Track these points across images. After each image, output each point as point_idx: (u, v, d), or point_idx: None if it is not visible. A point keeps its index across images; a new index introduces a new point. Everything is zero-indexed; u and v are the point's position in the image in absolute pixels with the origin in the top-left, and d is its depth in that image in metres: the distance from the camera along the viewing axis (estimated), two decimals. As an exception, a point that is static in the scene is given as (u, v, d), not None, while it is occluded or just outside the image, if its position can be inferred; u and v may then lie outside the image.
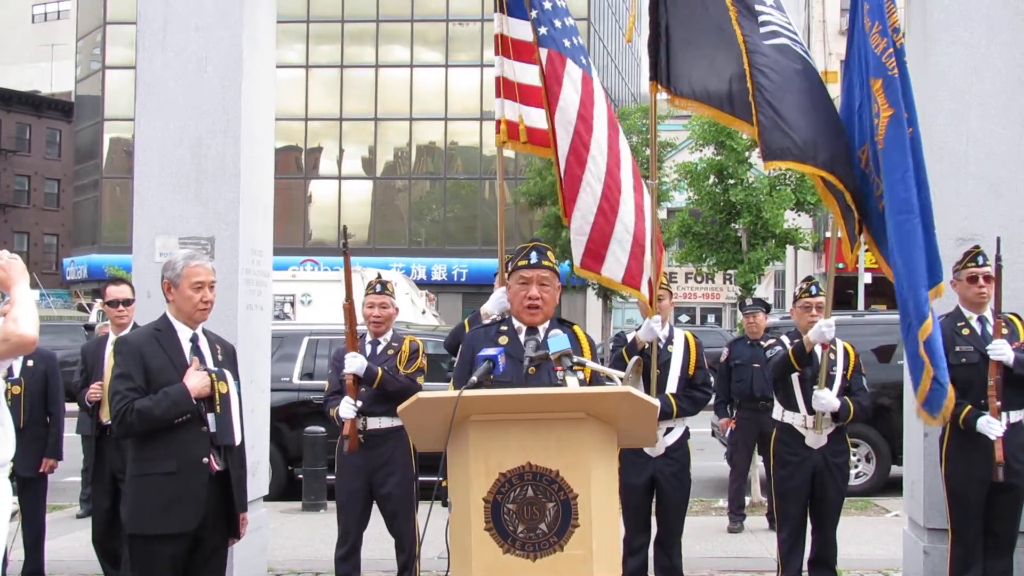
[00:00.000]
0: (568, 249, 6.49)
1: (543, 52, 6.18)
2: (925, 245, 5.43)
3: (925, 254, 5.42)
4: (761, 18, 5.83)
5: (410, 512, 6.17)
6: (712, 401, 9.30)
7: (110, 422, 5.18)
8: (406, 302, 20.02)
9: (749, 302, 10.20)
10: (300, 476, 10.61)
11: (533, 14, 6.23)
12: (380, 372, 5.97)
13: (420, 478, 6.26)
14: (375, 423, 6.06)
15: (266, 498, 7.43)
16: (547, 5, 6.28)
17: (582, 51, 6.35)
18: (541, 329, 4.52)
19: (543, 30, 6.20)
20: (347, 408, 5.92)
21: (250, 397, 6.14)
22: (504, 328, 4.61)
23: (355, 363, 5.92)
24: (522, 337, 4.56)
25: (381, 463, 6.09)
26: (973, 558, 5.80)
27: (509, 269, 4.75)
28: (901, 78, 5.56)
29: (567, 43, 6.25)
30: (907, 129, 5.45)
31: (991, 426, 5.60)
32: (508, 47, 6.63)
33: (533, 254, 4.53)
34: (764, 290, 37.31)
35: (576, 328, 4.70)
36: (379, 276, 6.40)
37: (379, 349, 6.20)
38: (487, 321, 5.75)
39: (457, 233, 46.26)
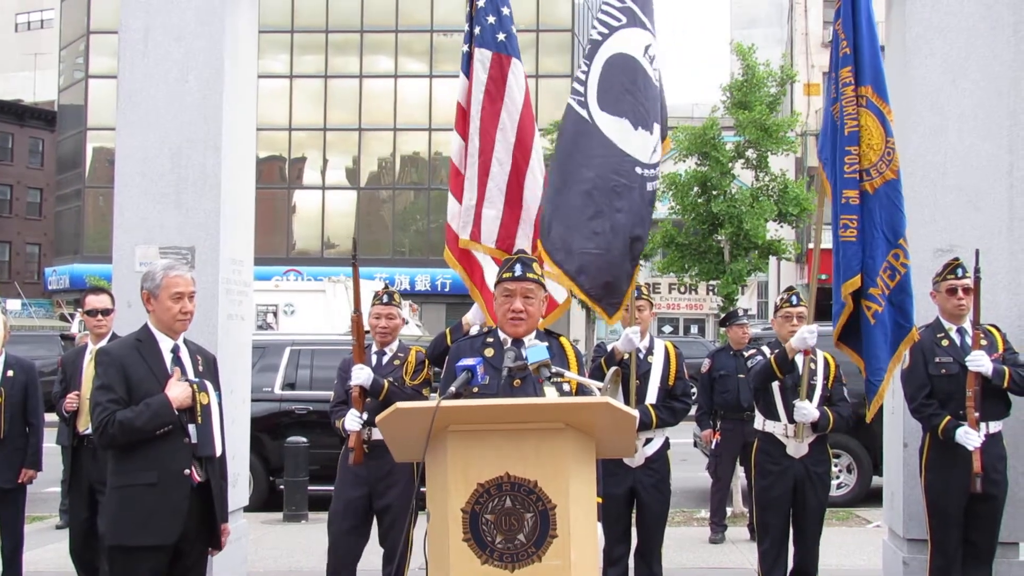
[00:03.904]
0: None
1: (487, 53, 6.31)
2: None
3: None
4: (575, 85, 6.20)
5: (406, 524, 6.13)
6: (694, 412, 9.33)
7: (90, 432, 5.15)
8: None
9: (741, 312, 10.20)
10: (281, 487, 10.59)
11: (491, 20, 6.35)
12: (386, 385, 5.95)
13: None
14: (379, 433, 6.02)
15: (247, 509, 7.40)
16: (504, 11, 6.41)
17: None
18: (526, 341, 4.52)
19: (501, 36, 6.36)
20: (353, 421, 5.87)
21: (231, 408, 6.12)
22: (490, 340, 4.60)
23: (362, 375, 5.88)
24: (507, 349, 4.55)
25: (383, 473, 6.01)
26: (952, 568, 5.82)
27: (494, 281, 4.75)
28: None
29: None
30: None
31: (969, 437, 5.63)
32: None
33: (518, 267, 4.52)
34: (747, 301, 37.40)
35: (562, 339, 4.70)
36: (386, 287, 6.38)
37: (385, 359, 6.18)
38: (472, 331, 5.75)
39: (441, 243, 45.61)
